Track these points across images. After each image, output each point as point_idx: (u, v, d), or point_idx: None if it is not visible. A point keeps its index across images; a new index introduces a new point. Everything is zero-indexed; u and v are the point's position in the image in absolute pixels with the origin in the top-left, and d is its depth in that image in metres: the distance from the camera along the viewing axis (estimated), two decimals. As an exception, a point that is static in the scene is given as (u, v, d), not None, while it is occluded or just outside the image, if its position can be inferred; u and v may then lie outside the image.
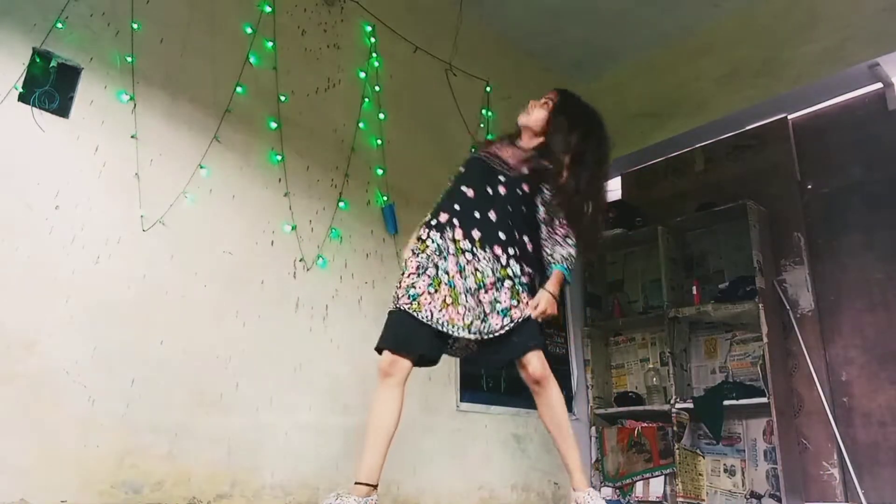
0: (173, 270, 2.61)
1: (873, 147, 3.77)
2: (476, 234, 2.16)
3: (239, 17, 3.07)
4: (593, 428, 4.30)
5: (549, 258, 2.26)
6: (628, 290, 4.67)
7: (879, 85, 3.80)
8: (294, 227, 3.04)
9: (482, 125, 4.02)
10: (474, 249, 2.15)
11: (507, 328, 2.11)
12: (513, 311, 2.13)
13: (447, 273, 2.11)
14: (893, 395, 3.43)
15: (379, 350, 2.13)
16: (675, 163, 4.65)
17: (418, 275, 2.11)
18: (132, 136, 2.60)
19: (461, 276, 2.11)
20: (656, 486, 3.97)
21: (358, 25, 3.60)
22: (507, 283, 2.15)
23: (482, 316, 2.10)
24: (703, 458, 3.90)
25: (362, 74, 3.51)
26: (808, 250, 3.87)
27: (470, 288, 2.11)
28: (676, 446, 3.78)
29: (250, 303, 2.81)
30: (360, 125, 3.42)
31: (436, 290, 2.08)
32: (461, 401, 3.54)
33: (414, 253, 2.18)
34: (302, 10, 3.36)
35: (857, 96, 3.92)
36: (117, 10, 2.66)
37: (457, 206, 2.21)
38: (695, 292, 4.05)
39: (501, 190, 2.22)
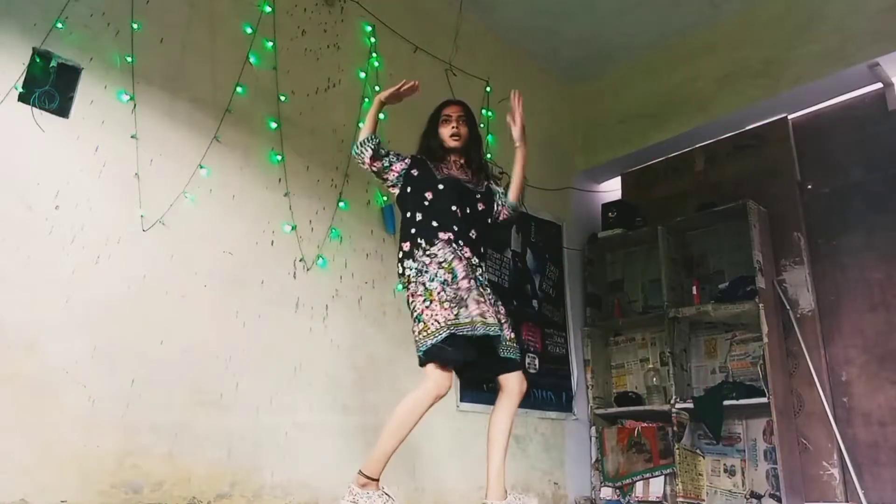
0: (173, 270, 2.61)
1: (873, 147, 3.77)
2: (468, 252, 2.36)
3: (239, 17, 3.07)
4: (593, 428, 4.30)
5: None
6: (628, 290, 4.66)
7: (879, 85, 3.80)
8: (294, 227, 3.04)
9: (482, 125, 4.02)
10: (481, 264, 2.41)
11: (510, 339, 2.35)
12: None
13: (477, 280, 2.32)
14: (893, 395, 3.43)
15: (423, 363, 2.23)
16: (675, 163, 4.64)
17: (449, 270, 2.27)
18: (132, 136, 2.60)
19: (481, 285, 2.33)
20: (656, 486, 3.97)
21: (358, 25, 3.60)
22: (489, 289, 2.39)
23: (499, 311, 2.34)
24: (703, 458, 3.90)
25: (362, 74, 3.52)
26: (808, 250, 3.87)
27: (483, 284, 2.35)
28: (676, 446, 3.78)
29: (250, 303, 2.81)
30: (360, 125, 3.42)
31: (469, 293, 2.24)
32: (461, 401, 3.54)
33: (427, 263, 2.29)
34: (302, 10, 3.36)
35: (857, 96, 3.92)
36: (117, 10, 2.66)
37: (455, 227, 2.35)
38: (695, 292, 4.05)
39: (479, 206, 2.47)
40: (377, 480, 2.15)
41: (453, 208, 2.36)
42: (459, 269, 2.23)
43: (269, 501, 2.65)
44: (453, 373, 2.24)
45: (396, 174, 2.49)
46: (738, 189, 4.08)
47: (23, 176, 2.31)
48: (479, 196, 2.47)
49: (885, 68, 3.67)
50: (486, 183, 2.56)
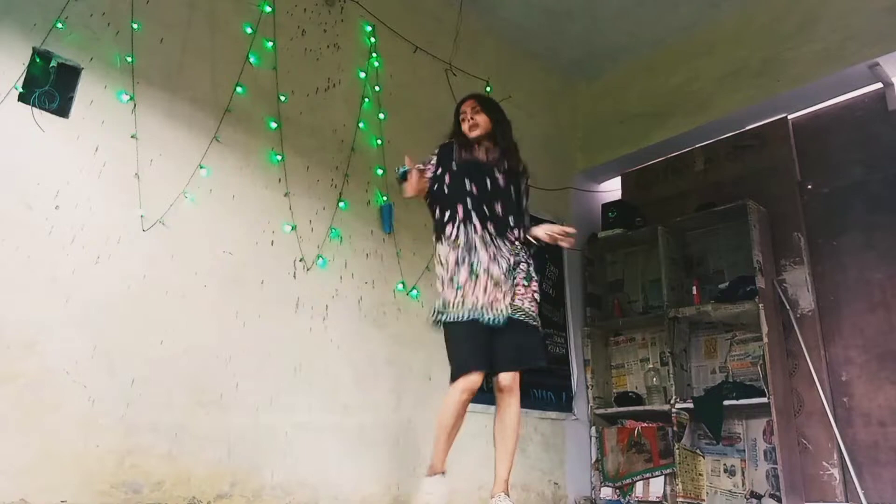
0: (173, 270, 2.61)
1: (873, 147, 3.77)
2: (491, 227, 2.43)
3: (239, 17, 3.07)
4: (593, 428, 4.30)
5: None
6: (628, 290, 4.66)
7: (879, 85, 3.80)
8: (294, 227, 3.04)
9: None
10: (495, 240, 2.43)
11: (529, 309, 2.41)
12: (535, 305, 2.45)
13: (481, 263, 2.38)
14: (893, 395, 3.43)
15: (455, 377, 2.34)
16: (675, 163, 4.64)
17: (458, 266, 2.38)
18: (132, 136, 2.60)
19: (495, 263, 2.38)
20: (656, 486, 3.97)
21: (358, 25, 3.60)
22: (522, 266, 2.48)
23: (520, 296, 2.41)
24: (703, 458, 3.90)
25: (362, 74, 3.52)
26: (808, 250, 3.87)
27: (506, 270, 2.40)
28: (676, 446, 3.78)
29: (250, 303, 2.81)
30: (360, 125, 3.43)
31: (476, 280, 2.35)
32: (461, 401, 3.53)
33: (449, 249, 2.43)
34: (302, 10, 3.36)
35: (857, 96, 3.92)
36: (117, 10, 2.66)
37: (468, 200, 2.44)
38: (695, 292, 4.04)
39: (501, 181, 2.53)
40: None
41: (466, 184, 2.46)
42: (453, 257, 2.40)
43: (269, 501, 2.65)
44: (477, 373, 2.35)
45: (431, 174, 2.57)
46: (738, 189, 4.08)
47: (23, 176, 2.31)
48: (499, 173, 2.53)
49: (885, 68, 3.66)
50: (507, 166, 2.57)
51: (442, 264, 2.44)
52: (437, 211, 2.53)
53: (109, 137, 2.54)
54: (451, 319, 2.34)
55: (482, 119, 2.59)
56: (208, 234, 2.75)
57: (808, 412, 3.64)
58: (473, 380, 2.30)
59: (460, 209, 2.44)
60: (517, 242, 2.49)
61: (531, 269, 2.51)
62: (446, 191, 2.50)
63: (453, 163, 2.54)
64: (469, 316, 2.31)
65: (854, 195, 3.79)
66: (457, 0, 4.06)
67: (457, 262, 2.38)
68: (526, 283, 2.44)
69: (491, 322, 2.30)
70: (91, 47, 2.55)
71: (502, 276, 2.36)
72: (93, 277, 2.39)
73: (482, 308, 2.31)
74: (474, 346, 2.32)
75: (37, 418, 2.16)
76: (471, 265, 2.36)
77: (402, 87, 3.70)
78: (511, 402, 2.39)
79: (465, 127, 2.60)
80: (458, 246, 2.40)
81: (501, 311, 2.32)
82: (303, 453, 2.81)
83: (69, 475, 2.19)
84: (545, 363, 2.47)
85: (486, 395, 3.62)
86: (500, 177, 2.52)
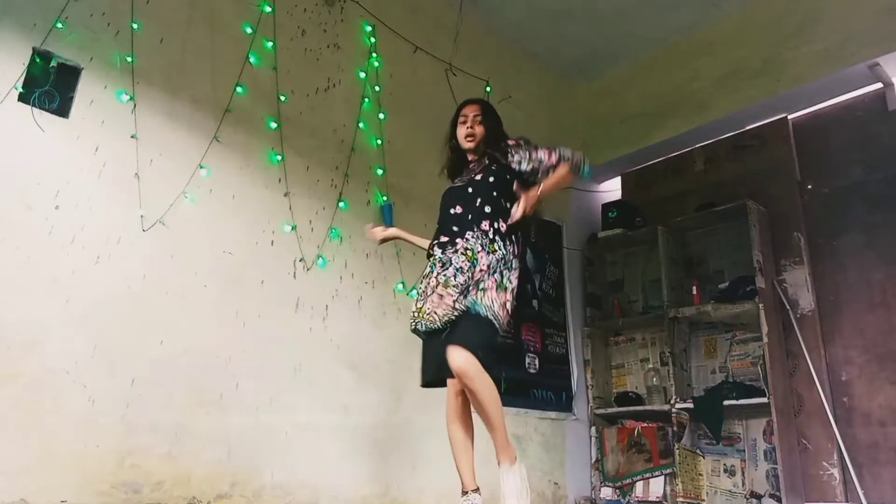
0: (173, 270, 2.61)
1: (873, 147, 3.77)
2: (456, 228, 2.30)
3: (239, 17, 3.07)
4: (593, 428, 4.30)
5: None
6: (628, 290, 4.66)
7: (879, 85, 3.79)
8: (294, 227, 3.04)
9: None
10: (457, 238, 2.28)
11: (431, 320, 2.19)
12: (488, 290, 2.21)
13: (427, 277, 2.31)
14: (893, 395, 3.43)
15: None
16: (675, 163, 4.64)
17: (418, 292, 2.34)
18: (132, 136, 2.60)
19: (442, 267, 2.26)
20: (656, 486, 3.97)
21: (358, 25, 3.60)
22: (501, 268, 2.24)
23: (423, 297, 2.27)
24: (703, 458, 3.90)
25: (362, 74, 3.52)
26: (808, 250, 3.87)
27: (460, 267, 2.22)
28: (676, 446, 3.78)
29: (250, 303, 2.81)
30: (360, 125, 3.42)
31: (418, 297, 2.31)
32: (461, 401, 3.53)
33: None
34: (302, 10, 3.36)
35: (857, 96, 3.91)
36: (117, 10, 2.66)
37: (447, 225, 2.34)
38: (695, 292, 4.04)
39: (479, 177, 2.35)
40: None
41: (451, 212, 2.34)
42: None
43: (269, 501, 2.65)
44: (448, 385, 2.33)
45: None
46: (738, 189, 4.08)
47: (23, 176, 2.31)
48: (476, 178, 2.34)
49: (885, 68, 3.66)
50: (486, 161, 2.40)
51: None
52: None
53: (109, 137, 2.54)
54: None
55: (480, 131, 2.46)
56: (208, 234, 2.75)
57: (808, 412, 3.64)
58: (447, 390, 2.33)
59: (443, 238, 2.33)
60: (491, 232, 2.23)
61: (494, 264, 2.21)
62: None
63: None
64: (412, 326, 2.31)
65: (854, 195, 3.79)
66: (457, 0, 4.06)
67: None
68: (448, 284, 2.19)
69: (423, 328, 2.24)
70: (91, 47, 2.55)
71: (431, 283, 2.24)
72: (93, 277, 2.39)
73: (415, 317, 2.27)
74: (423, 359, 2.35)
75: (37, 418, 2.16)
76: (423, 286, 2.32)
77: (402, 87, 3.70)
78: (469, 392, 2.16)
79: (461, 132, 2.49)
80: (423, 274, 2.37)
81: (424, 317, 2.21)
82: (303, 453, 2.81)
83: (69, 475, 2.19)
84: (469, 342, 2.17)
85: (486, 395, 3.65)
86: (478, 176, 2.35)
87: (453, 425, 2.33)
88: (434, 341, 2.23)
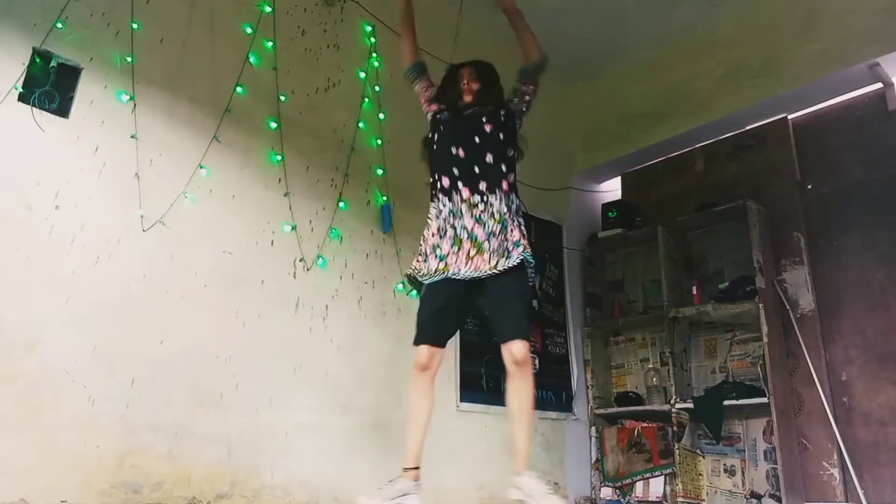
0: (173, 270, 2.61)
1: (873, 147, 3.77)
2: (482, 185, 2.34)
3: (239, 17, 3.07)
4: (593, 428, 4.30)
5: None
6: (628, 290, 4.66)
7: (879, 85, 3.79)
8: (294, 227, 3.04)
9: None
10: (485, 198, 2.34)
11: (519, 257, 2.26)
12: (523, 241, 2.31)
13: (465, 229, 2.31)
14: (893, 395, 3.43)
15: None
16: (675, 163, 4.64)
17: (441, 237, 2.34)
18: (132, 136, 2.60)
19: (480, 225, 2.30)
20: (656, 486, 3.97)
21: (358, 25, 3.60)
22: (518, 220, 2.37)
23: (506, 253, 2.27)
24: (703, 458, 3.90)
25: (362, 74, 3.52)
26: (808, 250, 3.86)
27: (493, 231, 2.29)
28: (676, 446, 3.78)
29: (250, 303, 2.81)
30: (360, 125, 3.42)
31: (459, 248, 2.29)
32: (461, 401, 3.54)
33: (432, 218, 2.39)
34: (302, 10, 3.36)
35: (857, 96, 3.91)
36: (117, 10, 2.66)
37: (455, 170, 2.37)
38: (695, 292, 4.04)
39: (488, 129, 2.41)
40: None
41: (453, 150, 2.39)
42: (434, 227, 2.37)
43: (269, 501, 2.65)
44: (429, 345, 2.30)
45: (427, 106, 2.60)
46: (738, 189, 4.07)
47: (23, 176, 2.31)
48: (484, 118, 2.41)
49: (885, 68, 3.66)
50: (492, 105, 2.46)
51: (428, 228, 2.40)
52: (430, 173, 2.49)
53: (109, 137, 2.54)
54: (423, 282, 2.31)
55: (475, 87, 2.51)
56: (208, 234, 2.75)
57: (808, 412, 3.64)
58: (420, 355, 2.26)
59: (446, 180, 2.37)
60: (512, 193, 2.38)
61: (521, 225, 2.38)
62: (434, 157, 2.47)
63: (439, 124, 2.48)
64: (438, 278, 2.26)
65: (854, 195, 3.79)
66: (456, 0, 4.06)
67: (439, 231, 2.35)
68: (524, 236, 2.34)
69: (467, 279, 2.24)
70: (91, 47, 2.55)
71: (486, 241, 2.27)
72: (93, 277, 2.39)
73: (460, 270, 2.24)
74: (429, 316, 2.29)
75: (37, 418, 2.16)
76: (454, 232, 2.31)
77: (403, 87, 3.68)
78: (524, 375, 2.24)
79: (457, 89, 2.51)
80: (443, 217, 2.36)
81: (486, 271, 2.22)
82: (303, 453, 2.81)
83: (69, 475, 2.19)
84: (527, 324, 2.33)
85: (485, 394, 3.65)
86: (487, 126, 2.40)
87: (427, 398, 2.28)
88: (455, 295, 2.26)
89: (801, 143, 4.07)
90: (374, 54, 3.58)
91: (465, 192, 2.34)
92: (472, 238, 2.29)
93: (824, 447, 3.54)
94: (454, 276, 2.25)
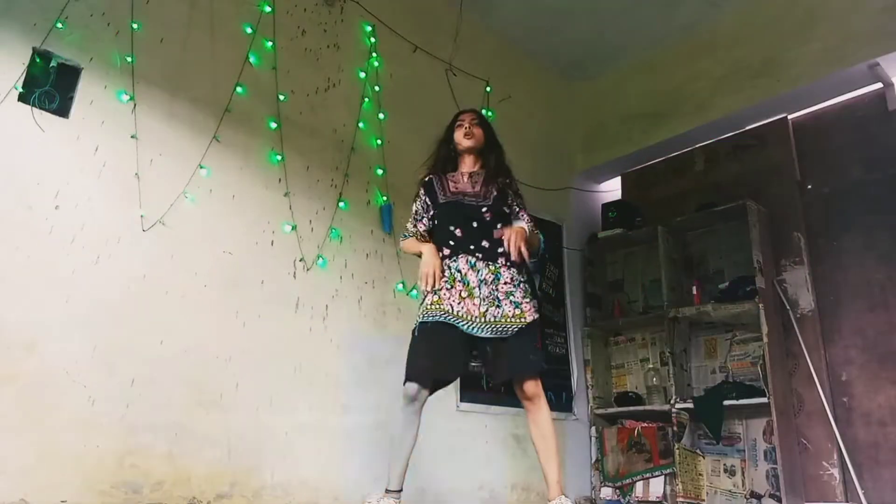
0: (173, 270, 2.61)
1: (873, 147, 3.77)
2: (479, 254, 2.39)
3: (239, 17, 3.07)
4: (593, 428, 4.30)
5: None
6: (628, 290, 4.66)
7: (879, 85, 3.79)
8: (294, 227, 3.04)
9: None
10: (483, 260, 2.38)
11: (518, 322, 2.30)
12: (524, 305, 2.35)
13: (460, 272, 2.35)
14: (893, 395, 3.43)
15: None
16: (675, 163, 4.64)
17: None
18: (132, 137, 2.60)
19: (474, 271, 2.34)
20: (656, 486, 3.97)
21: (358, 25, 3.60)
22: (522, 285, 2.41)
23: (497, 302, 2.31)
24: (703, 458, 3.90)
25: (362, 74, 3.52)
26: (808, 250, 3.87)
27: (485, 279, 2.33)
28: (676, 446, 3.78)
29: (250, 303, 2.81)
30: (360, 125, 3.43)
31: (451, 287, 2.33)
32: (461, 401, 3.54)
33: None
34: (302, 10, 3.36)
35: (857, 96, 3.91)
36: (117, 10, 2.66)
37: (451, 243, 2.41)
38: (695, 292, 4.04)
39: (488, 217, 2.43)
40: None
41: (451, 228, 2.42)
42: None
43: (269, 501, 2.65)
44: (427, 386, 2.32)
45: (426, 215, 2.55)
46: (738, 189, 4.08)
47: (23, 176, 2.30)
48: (484, 209, 2.43)
49: (885, 68, 3.66)
50: (495, 192, 2.47)
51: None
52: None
53: (109, 137, 2.54)
54: (420, 320, 2.32)
55: (479, 132, 2.55)
56: (208, 234, 2.75)
57: (808, 412, 3.64)
58: (409, 388, 2.27)
59: (446, 250, 2.41)
60: (510, 265, 2.40)
61: (529, 289, 2.46)
62: (434, 230, 2.50)
63: (440, 204, 2.48)
64: (436, 319, 2.27)
65: (854, 195, 3.79)
66: (456, 0, 4.06)
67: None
68: (528, 300, 2.39)
69: (466, 330, 2.27)
70: (91, 47, 2.55)
71: (477, 287, 2.31)
72: (93, 277, 2.39)
73: (456, 315, 2.28)
74: (423, 355, 2.31)
75: (37, 418, 2.16)
76: (450, 272, 2.35)
77: (402, 87, 3.70)
78: (538, 407, 2.31)
79: (459, 133, 2.54)
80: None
81: (476, 318, 2.28)
82: (303, 453, 2.81)
83: (69, 475, 2.19)
84: (541, 367, 2.36)
85: (485, 394, 3.65)
86: (486, 214, 2.42)
87: (413, 428, 2.31)
88: (456, 340, 2.28)
89: (801, 143, 4.07)
90: (374, 54, 3.58)
91: (465, 260, 2.37)
92: (463, 282, 2.33)
93: (824, 447, 3.54)
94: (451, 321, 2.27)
